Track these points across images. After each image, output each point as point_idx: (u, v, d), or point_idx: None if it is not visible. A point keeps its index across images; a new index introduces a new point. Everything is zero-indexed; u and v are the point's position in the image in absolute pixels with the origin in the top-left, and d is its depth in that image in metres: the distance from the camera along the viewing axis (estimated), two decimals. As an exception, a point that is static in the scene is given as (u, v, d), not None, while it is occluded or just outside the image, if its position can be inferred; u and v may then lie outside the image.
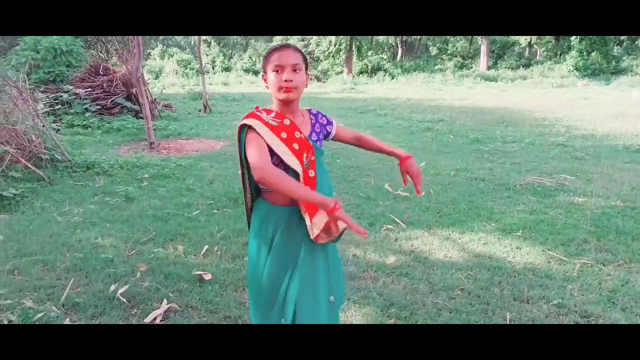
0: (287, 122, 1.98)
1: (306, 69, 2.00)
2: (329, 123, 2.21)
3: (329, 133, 2.20)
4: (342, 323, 3.02)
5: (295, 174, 1.96)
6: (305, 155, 1.99)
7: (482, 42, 37.26)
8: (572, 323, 3.03)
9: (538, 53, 41.67)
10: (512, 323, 3.03)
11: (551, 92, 21.73)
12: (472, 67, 37.28)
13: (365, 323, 3.03)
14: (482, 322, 3.02)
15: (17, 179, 5.73)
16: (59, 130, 9.03)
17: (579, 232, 4.54)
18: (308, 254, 2.07)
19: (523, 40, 39.86)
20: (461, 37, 42.32)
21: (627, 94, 18.78)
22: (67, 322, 2.99)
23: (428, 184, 6.28)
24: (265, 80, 2.00)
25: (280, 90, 1.92)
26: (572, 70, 30.46)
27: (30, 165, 5.96)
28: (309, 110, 2.17)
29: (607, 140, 9.70)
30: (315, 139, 2.10)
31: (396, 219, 4.92)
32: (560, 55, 36.88)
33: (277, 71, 1.91)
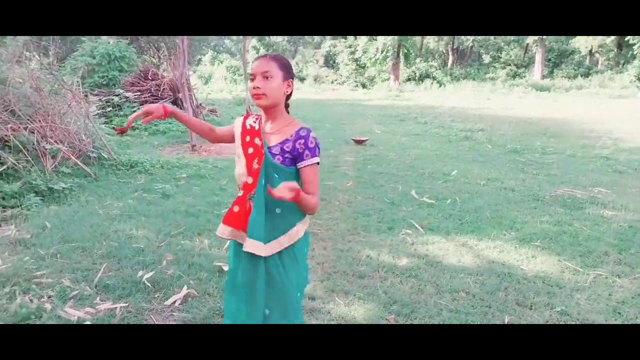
0: (256, 126, 2.10)
1: (286, 77, 2.02)
2: (310, 154, 2.02)
3: (298, 161, 2.03)
4: (343, 316, 3.20)
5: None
6: (256, 161, 2.05)
7: (537, 50, 36.34)
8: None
9: (599, 62, 40.23)
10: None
11: (608, 104, 21.08)
12: (525, 76, 36.47)
13: (366, 317, 3.19)
14: (480, 323, 3.13)
15: (67, 174, 6.19)
16: (124, 131, 9.58)
17: (601, 245, 4.55)
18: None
19: (583, 48, 38.53)
20: (515, 44, 41.43)
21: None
22: (97, 300, 3.30)
23: (455, 192, 6.36)
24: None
25: (252, 97, 2.02)
26: (634, 81, 29.31)
27: (79, 163, 6.44)
28: (301, 129, 2.04)
29: (655, 154, 9.45)
30: (277, 152, 2.02)
31: (415, 224, 5.04)
32: (623, 64, 35.53)
33: (251, 79, 2.01)
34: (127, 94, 11.57)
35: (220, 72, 36.19)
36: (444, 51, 44.53)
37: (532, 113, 17.21)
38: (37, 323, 2.97)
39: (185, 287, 3.52)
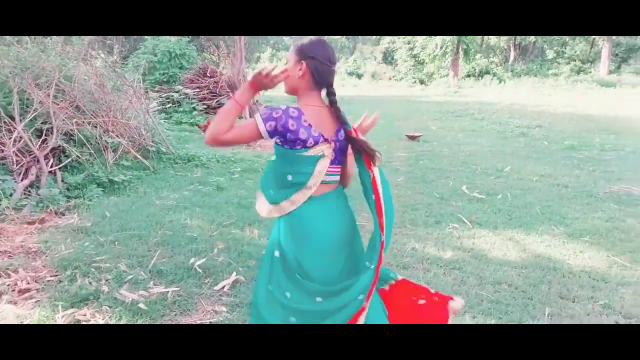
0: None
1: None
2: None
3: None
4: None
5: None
6: None
7: (604, 45, 34.71)
8: (612, 323, 3.04)
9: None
10: (550, 317, 3.10)
11: (678, 100, 19.89)
12: (590, 72, 34.92)
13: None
14: (519, 314, 3.12)
15: (127, 167, 6.54)
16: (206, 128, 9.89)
17: (654, 241, 4.39)
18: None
19: (655, 41, 36.43)
20: (581, 39, 39.68)
21: None
22: (151, 284, 3.51)
23: (507, 188, 6.27)
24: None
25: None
26: None
27: (138, 156, 6.79)
28: None
29: None
30: None
31: (463, 218, 5.02)
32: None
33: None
34: (186, 91, 12.02)
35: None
36: (506, 47, 43.24)
37: (595, 110, 16.54)
38: (94, 304, 3.19)
39: (234, 273, 3.67)
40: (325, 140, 1.98)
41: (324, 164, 1.97)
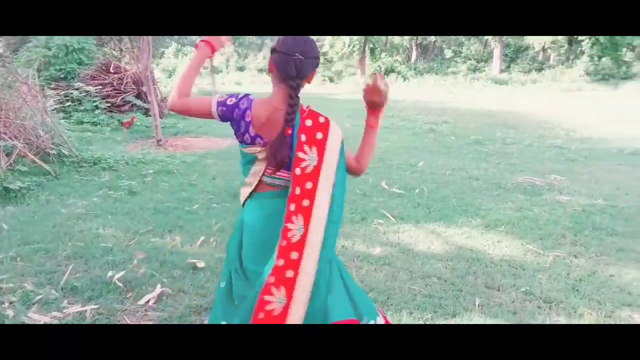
0: None
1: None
2: None
3: None
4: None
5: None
6: None
7: (496, 46, 37.27)
8: (536, 308, 3.22)
9: (551, 57, 41.55)
10: (481, 307, 3.21)
11: (559, 96, 21.90)
12: (485, 70, 37.30)
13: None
14: (453, 307, 3.20)
15: (24, 172, 5.94)
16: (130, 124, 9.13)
17: (558, 228, 4.78)
18: None
19: (537, 44, 39.76)
20: (475, 40, 42.46)
21: (633, 99, 18.97)
22: (65, 303, 3.19)
23: (423, 182, 6.48)
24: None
25: None
26: (583, 75, 30.46)
27: (37, 160, 6.19)
28: None
29: (602, 143, 10.02)
30: None
31: (387, 214, 5.10)
32: (573, 60, 36.83)
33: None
34: (88, 88, 11.21)
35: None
36: (408, 46, 45.05)
37: (492, 106, 17.67)
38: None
39: (159, 285, 3.44)
40: (264, 143, 1.89)
41: (259, 166, 1.93)
